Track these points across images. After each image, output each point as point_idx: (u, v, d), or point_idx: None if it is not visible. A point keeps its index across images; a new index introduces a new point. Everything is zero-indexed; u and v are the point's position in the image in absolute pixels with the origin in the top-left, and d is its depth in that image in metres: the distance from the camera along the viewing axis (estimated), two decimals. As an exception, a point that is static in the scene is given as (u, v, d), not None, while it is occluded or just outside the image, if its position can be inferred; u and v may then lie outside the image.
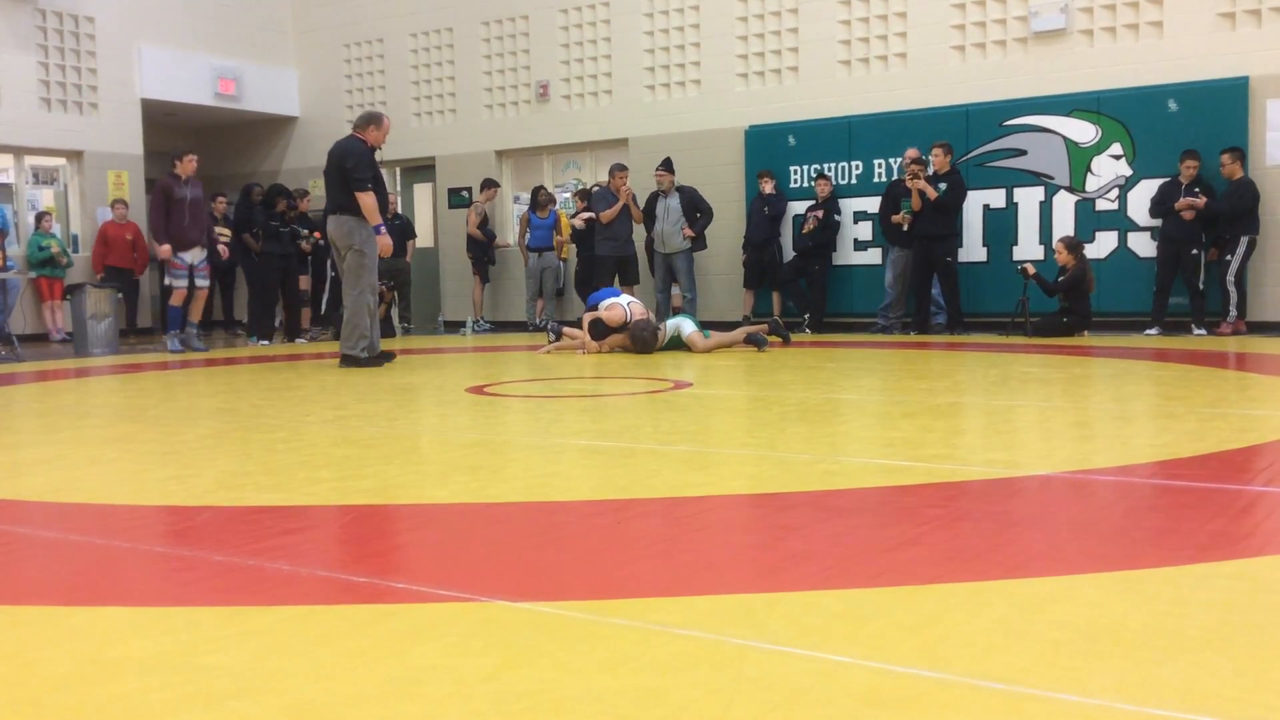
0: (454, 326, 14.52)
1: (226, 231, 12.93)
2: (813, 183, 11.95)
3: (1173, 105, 10.39)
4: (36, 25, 13.47)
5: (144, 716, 1.64)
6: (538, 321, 13.45)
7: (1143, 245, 10.57)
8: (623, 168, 12.23)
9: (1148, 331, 10.08)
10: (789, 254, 12.23)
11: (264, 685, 1.76)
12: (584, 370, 7.78)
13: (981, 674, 1.72)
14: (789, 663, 1.80)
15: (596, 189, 12.59)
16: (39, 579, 2.56)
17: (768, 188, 11.97)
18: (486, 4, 14.52)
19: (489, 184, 13.77)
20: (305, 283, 12.95)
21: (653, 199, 12.12)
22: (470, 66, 14.72)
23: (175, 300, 10.80)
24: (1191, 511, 2.90)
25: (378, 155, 8.44)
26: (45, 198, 14.46)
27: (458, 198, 14.76)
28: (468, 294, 14.28)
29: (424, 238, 15.09)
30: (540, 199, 13.36)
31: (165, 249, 10.59)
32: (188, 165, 10.67)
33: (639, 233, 12.42)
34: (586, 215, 12.35)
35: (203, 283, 10.98)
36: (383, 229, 8.25)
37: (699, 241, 12.05)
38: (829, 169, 12.04)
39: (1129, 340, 9.43)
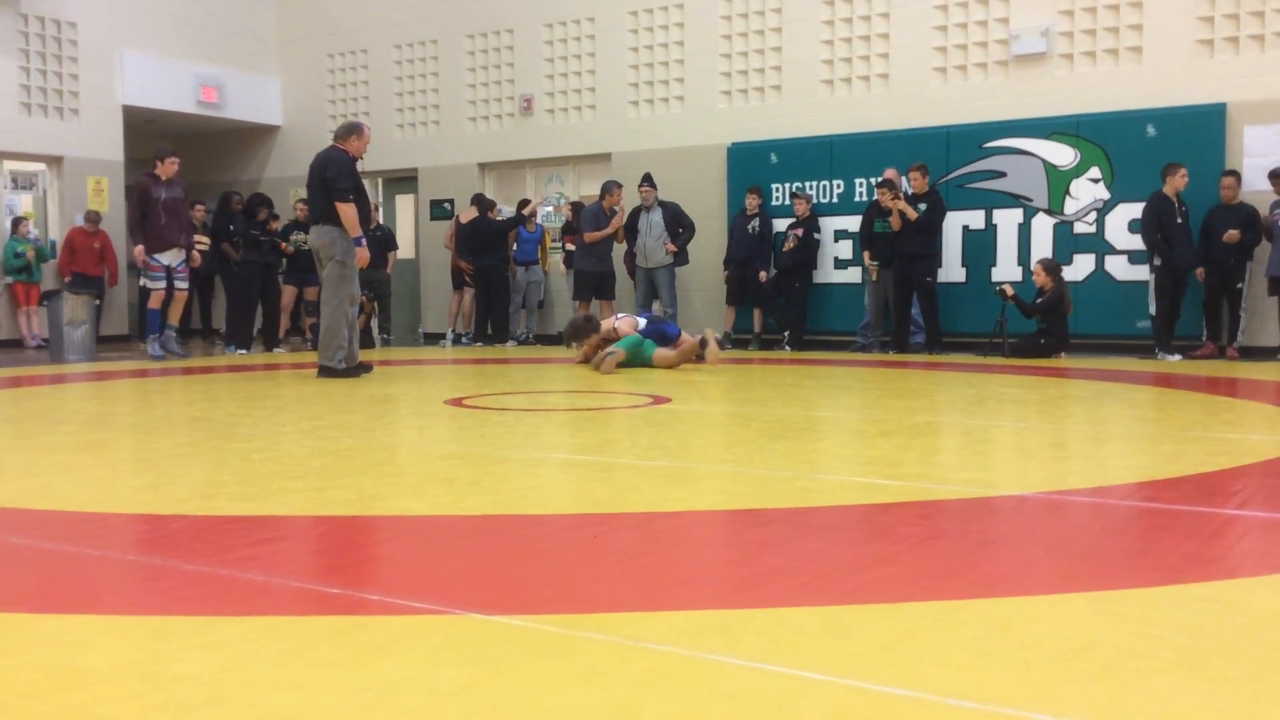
0: (434, 338, 14.49)
1: (205, 240, 12.87)
2: (792, 201, 11.98)
3: (1151, 130, 10.49)
4: (19, 30, 13.41)
5: (111, 726, 1.63)
6: (519, 335, 13.44)
7: (1120, 268, 10.65)
8: (618, 185, 12.21)
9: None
10: (771, 271, 12.26)
11: (234, 695, 1.74)
12: (563, 385, 7.77)
13: (954, 692, 1.72)
14: (763, 679, 1.80)
15: (586, 206, 12.58)
16: (8, 585, 2.53)
17: (752, 205, 11.98)
18: (471, 17, 14.54)
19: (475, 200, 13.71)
20: (312, 293, 12.88)
21: (635, 214, 12.14)
22: (454, 79, 14.73)
23: (154, 303, 10.66)
24: (1165, 533, 2.92)
25: (360, 165, 8.43)
26: (24, 203, 14.37)
27: (440, 209, 14.74)
28: (450, 306, 14.22)
29: (405, 249, 15.06)
30: (527, 212, 13.37)
31: (138, 250, 10.47)
32: (168, 167, 10.55)
33: (617, 248, 12.45)
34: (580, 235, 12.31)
35: (182, 285, 10.81)
36: (363, 241, 8.24)
37: (681, 256, 12.07)
38: (810, 188, 12.09)
39: (1106, 362, 9.49)
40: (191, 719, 1.65)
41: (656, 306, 12.18)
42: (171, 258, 10.63)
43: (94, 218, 13.51)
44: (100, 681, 1.81)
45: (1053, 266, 10.29)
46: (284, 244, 12.36)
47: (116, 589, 2.52)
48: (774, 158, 12.37)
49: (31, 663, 1.91)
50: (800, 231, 11.80)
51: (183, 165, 10.86)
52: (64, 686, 1.79)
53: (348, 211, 8.06)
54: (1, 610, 2.28)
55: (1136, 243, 10.52)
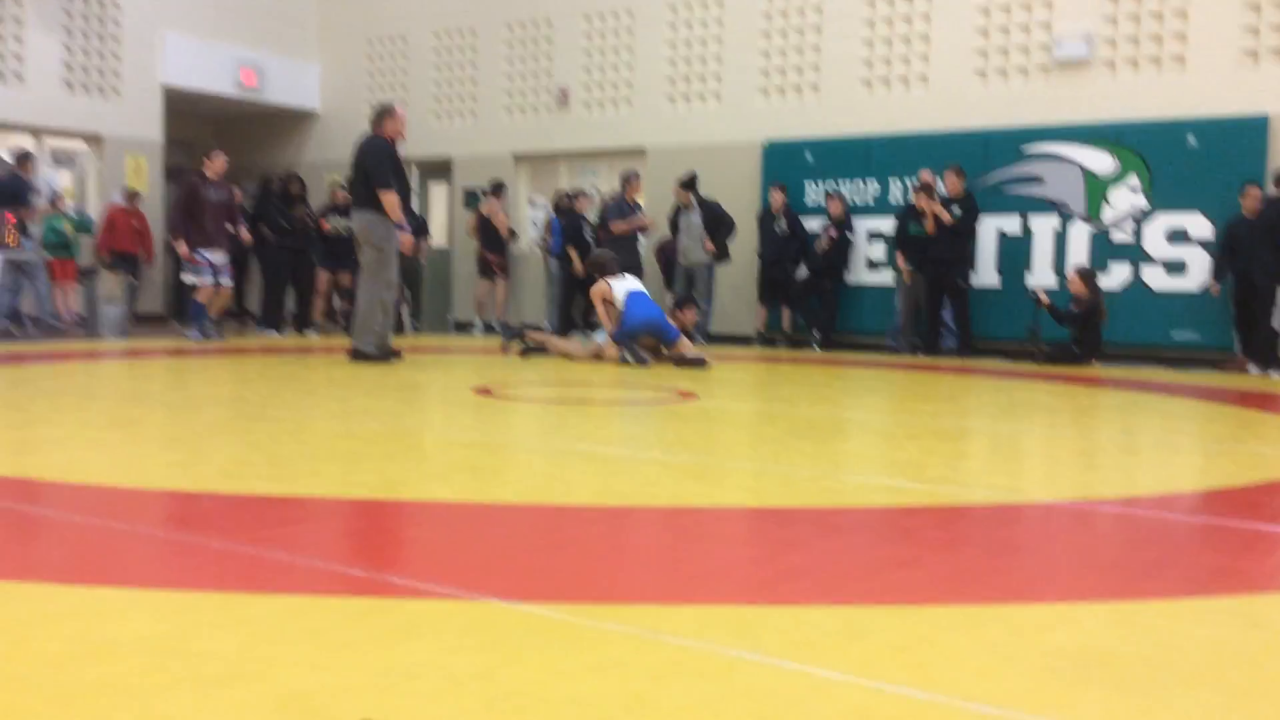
0: (464, 326, 14.54)
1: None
2: (827, 200, 11.93)
3: (1192, 140, 10.38)
4: (62, 7, 13.54)
5: (134, 698, 1.65)
6: (546, 327, 13.48)
7: (1157, 279, 10.55)
8: (636, 175, 12.22)
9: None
10: (800, 270, 12.23)
11: (255, 672, 1.76)
12: (591, 377, 7.79)
13: (971, 696, 1.72)
14: (779, 676, 1.80)
15: (612, 199, 12.59)
16: (37, 556, 2.57)
17: (777, 203, 11.95)
18: (510, 7, 14.57)
19: (499, 188, 13.79)
20: (346, 279, 12.99)
21: (677, 212, 12.18)
22: (491, 69, 14.77)
23: (200, 296, 10.75)
24: (1190, 546, 2.90)
25: (401, 147, 8.50)
26: (63, 180, 14.51)
27: (474, 198, 14.79)
28: (482, 294, 14.25)
29: (438, 237, 15.11)
30: (563, 204, 13.38)
31: (181, 249, 10.56)
32: (216, 164, 10.65)
33: (647, 241, 12.50)
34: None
35: (226, 282, 10.93)
36: (405, 227, 8.38)
37: (722, 254, 12.08)
38: (845, 187, 12.04)
39: (1139, 372, 9.41)
40: (213, 694, 1.67)
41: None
42: (217, 255, 10.70)
43: (132, 195, 13.62)
44: (124, 654, 1.83)
45: (1088, 274, 10.20)
46: (323, 221, 12.47)
47: (143, 563, 2.55)
48: (809, 157, 12.32)
49: (58, 633, 1.94)
50: (834, 232, 11.76)
51: (221, 148, 10.94)
52: (88, 658, 1.82)
53: (389, 199, 8.13)
54: (30, 580, 2.31)
55: (1174, 253, 10.43)
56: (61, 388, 6.44)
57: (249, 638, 1.93)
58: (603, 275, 9.35)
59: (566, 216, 13.12)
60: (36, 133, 13.75)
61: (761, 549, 2.84)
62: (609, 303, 9.17)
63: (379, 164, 8.15)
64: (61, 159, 14.56)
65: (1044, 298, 10.17)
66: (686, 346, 8.91)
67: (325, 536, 2.89)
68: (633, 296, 9.09)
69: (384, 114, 8.42)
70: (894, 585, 2.39)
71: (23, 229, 11.52)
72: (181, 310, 11.13)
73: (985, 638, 2.03)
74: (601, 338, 9.26)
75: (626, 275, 9.42)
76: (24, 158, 12.04)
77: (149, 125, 14.42)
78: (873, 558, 2.67)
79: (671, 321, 9.23)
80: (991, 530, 3.07)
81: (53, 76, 13.48)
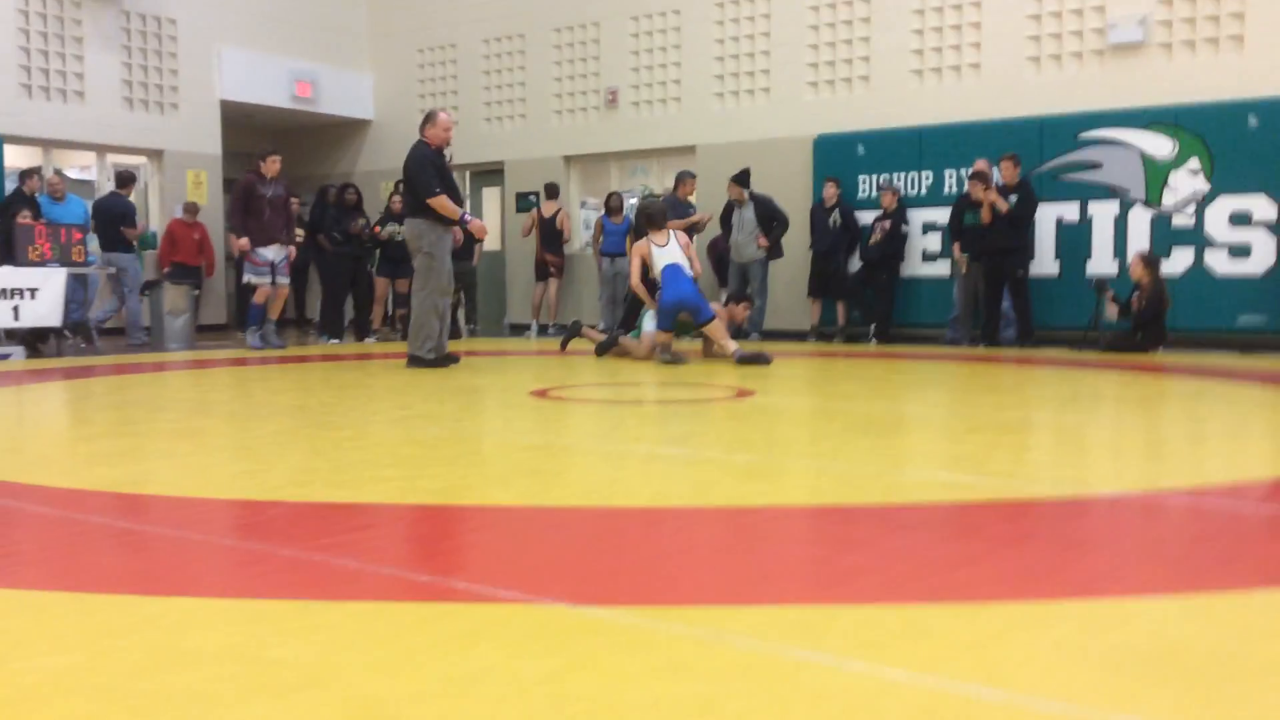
0: (519, 329, 14.63)
1: (301, 232, 13.19)
2: (879, 193, 11.86)
3: (1253, 121, 10.17)
4: (121, 26, 13.82)
5: (213, 706, 1.69)
6: (600, 327, 13.53)
7: (1220, 263, 10.36)
8: (691, 175, 12.25)
9: None
10: (853, 264, 12.17)
11: (329, 679, 1.79)
12: (647, 377, 7.80)
13: (1040, 694, 1.71)
14: (845, 677, 1.80)
15: (663, 197, 12.62)
16: (113, 568, 2.63)
17: (830, 195, 11.91)
18: (558, 11, 14.64)
19: (553, 190, 13.93)
20: (403, 285, 13.16)
21: (728, 209, 12.17)
22: (541, 72, 14.84)
23: (258, 298, 10.94)
24: (1263, 537, 2.85)
25: (448, 154, 8.56)
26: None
27: (525, 202, 14.89)
28: (540, 297, 14.35)
29: (491, 241, 15.21)
30: (614, 204, 13.44)
31: (243, 241, 10.75)
32: (271, 165, 10.85)
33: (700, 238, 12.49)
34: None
35: (284, 280, 11.11)
36: (467, 218, 8.47)
37: (775, 250, 12.05)
38: (898, 179, 11.96)
39: (1203, 358, 9.24)
40: (287, 701, 1.70)
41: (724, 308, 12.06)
42: (274, 253, 10.90)
43: (192, 208, 13.86)
44: (203, 663, 1.88)
45: (1152, 261, 10.03)
46: (376, 228, 12.63)
47: (216, 573, 2.60)
48: (861, 149, 12.25)
49: (138, 643, 1.99)
50: (888, 224, 11.68)
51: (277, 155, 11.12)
52: (169, 667, 1.86)
53: (440, 204, 8.19)
54: (109, 592, 2.37)
55: (1237, 236, 10.24)
56: (129, 399, 6.58)
57: (321, 645, 1.96)
58: (650, 226, 9.22)
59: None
60: (98, 149, 14.05)
61: (824, 548, 2.84)
62: (647, 266, 9.13)
63: (421, 171, 8.23)
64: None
65: (1117, 307, 9.98)
66: (718, 331, 8.85)
67: (391, 542, 2.93)
68: (669, 270, 8.98)
69: (426, 120, 8.50)
70: (960, 583, 2.38)
71: (124, 244, 11.91)
72: (243, 319, 11.34)
73: (1054, 634, 2.01)
74: (649, 325, 9.25)
75: (672, 240, 9.28)
76: (126, 180, 12.43)
77: (208, 139, 14.67)
78: (937, 555, 2.65)
79: (720, 312, 9.20)
80: (1058, 524, 3.04)
81: (113, 93, 13.77)
